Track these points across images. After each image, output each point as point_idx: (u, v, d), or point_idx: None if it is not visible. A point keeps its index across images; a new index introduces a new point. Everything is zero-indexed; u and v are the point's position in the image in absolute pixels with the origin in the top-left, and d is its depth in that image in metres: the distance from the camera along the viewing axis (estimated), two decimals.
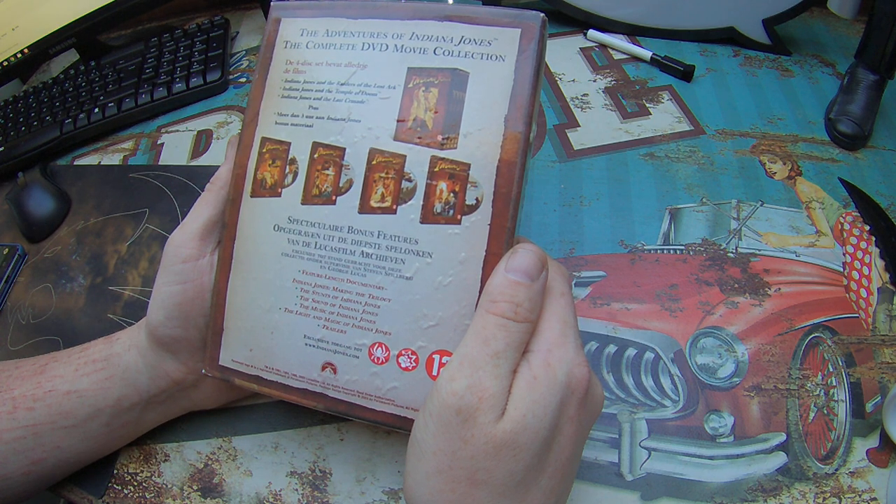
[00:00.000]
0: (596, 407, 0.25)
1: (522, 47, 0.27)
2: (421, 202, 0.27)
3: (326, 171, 0.28)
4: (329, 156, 0.28)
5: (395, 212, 0.27)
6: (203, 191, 0.32)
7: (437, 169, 0.27)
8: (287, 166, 0.29)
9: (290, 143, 0.29)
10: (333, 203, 0.28)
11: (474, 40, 0.27)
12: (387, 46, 0.28)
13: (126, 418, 0.33)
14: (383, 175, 0.28)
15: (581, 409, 0.24)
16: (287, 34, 0.31)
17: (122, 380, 0.32)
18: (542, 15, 0.27)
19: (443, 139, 0.27)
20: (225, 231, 0.31)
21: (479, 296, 0.26)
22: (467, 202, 0.26)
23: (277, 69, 0.30)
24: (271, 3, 0.32)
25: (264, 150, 0.30)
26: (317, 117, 0.29)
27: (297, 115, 0.29)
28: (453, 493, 0.22)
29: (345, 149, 0.28)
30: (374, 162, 0.28)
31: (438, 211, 0.27)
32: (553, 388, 0.23)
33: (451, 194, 0.27)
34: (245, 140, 0.31)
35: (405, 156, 0.27)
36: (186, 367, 0.32)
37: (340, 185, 0.28)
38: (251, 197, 0.30)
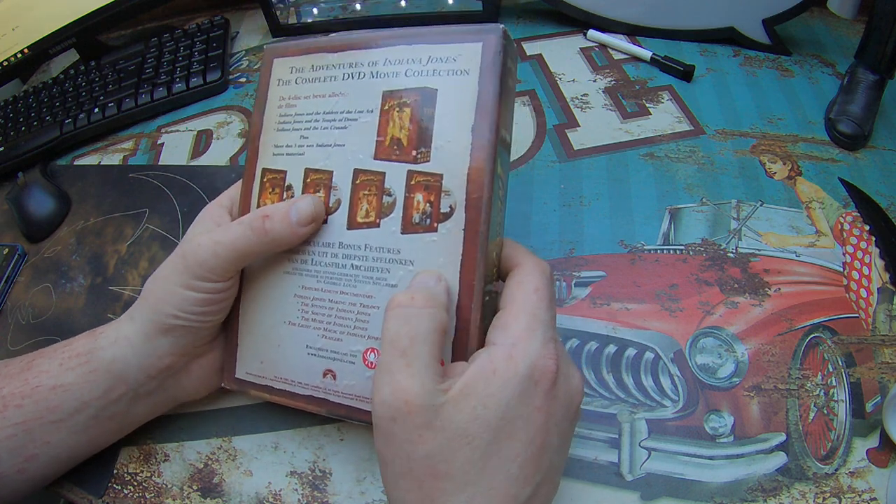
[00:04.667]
0: (571, 398, 0.26)
1: (485, 59, 0.28)
2: (401, 214, 0.29)
3: (318, 194, 0.31)
4: (319, 179, 0.31)
5: (378, 225, 0.29)
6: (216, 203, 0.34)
7: (413, 182, 0.29)
8: (284, 192, 0.32)
9: (285, 172, 0.32)
10: (325, 222, 0.31)
11: (441, 58, 0.29)
12: (363, 74, 0.31)
13: (114, 410, 0.33)
14: (367, 192, 0.30)
15: (550, 400, 0.24)
16: (279, 73, 0.33)
17: (108, 372, 0.32)
18: (502, 27, 0.28)
19: (417, 154, 0.29)
20: None
21: (458, 298, 0.27)
22: (442, 210, 0.28)
23: (273, 105, 0.33)
24: (264, 46, 0.35)
25: (265, 180, 0.33)
26: (307, 145, 0.32)
27: (290, 145, 0.32)
28: (421, 491, 0.23)
29: (332, 171, 0.31)
30: (357, 181, 0.30)
31: (417, 221, 0.28)
32: (512, 380, 0.24)
33: (427, 204, 0.28)
34: (248, 172, 0.33)
35: (384, 172, 0.29)
36: (181, 350, 0.32)
37: (330, 204, 0.31)
38: None
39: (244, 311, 0.33)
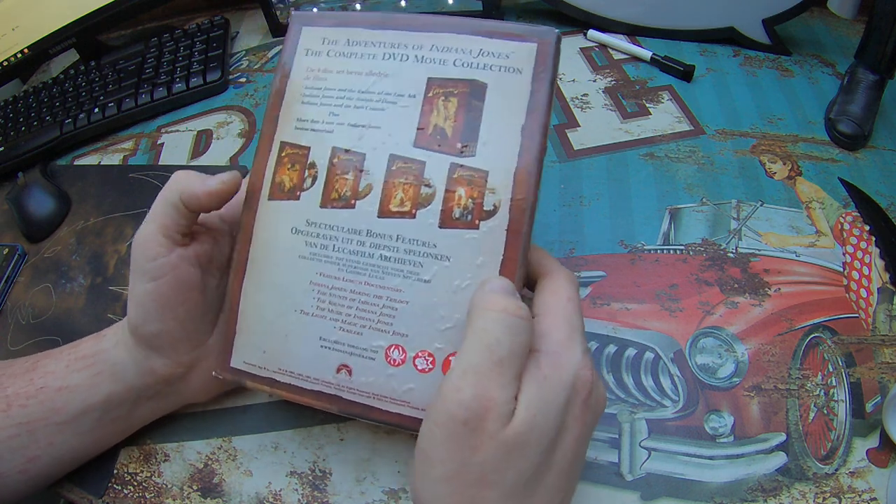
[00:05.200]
0: (599, 408, 0.26)
1: (539, 61, 0.28)
2: (440, 207, 0.27)
3: (346, 176, 0.29)
4: (349, 161, 0.29)
5: (414, 216, 0.28)
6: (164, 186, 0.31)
7: (456, 175, 0.28)
8: (306, 170, 0.30)
9: (309, 148, 0.30)
10: (353, 207, 0.29)
11: (492, 53, 0.28)
12: (407, 57, 0.29)
13: (116, 413, 0.33)
14: (403, 181, 0.28)
15: (585, 410, 0.24)
16: (308, 42, 0.31)
17: (111, 375, 0.32)
18: (557, 31, 0.28)
19: (462, 147, 0.28)
20: (240, 234, 0.31)
21: None
22: (485, 208, 0.27)
23: (298, 76, 0.31)
24: (292, 13, 0.33)
25: (283, 155, 0.30)
26: (337, 123, 0.30)
27: (317, 121, 0.30)
28: (462, 496, 0.22)
29: (364, 154, 0.29)
30: (393, 168, 0.28)
31: (457, 216, 0.27)
32: (560, 388, 0.23)
33: (470, 200, 0.27)
34: (262, 144, 0.31)
35: (425, 162, 0.28)
36: (172, 362, 0.32)
37: (360, 189, 0.29)
38: (269, 200, 0.30)
39: (247, 295, 0.30)
